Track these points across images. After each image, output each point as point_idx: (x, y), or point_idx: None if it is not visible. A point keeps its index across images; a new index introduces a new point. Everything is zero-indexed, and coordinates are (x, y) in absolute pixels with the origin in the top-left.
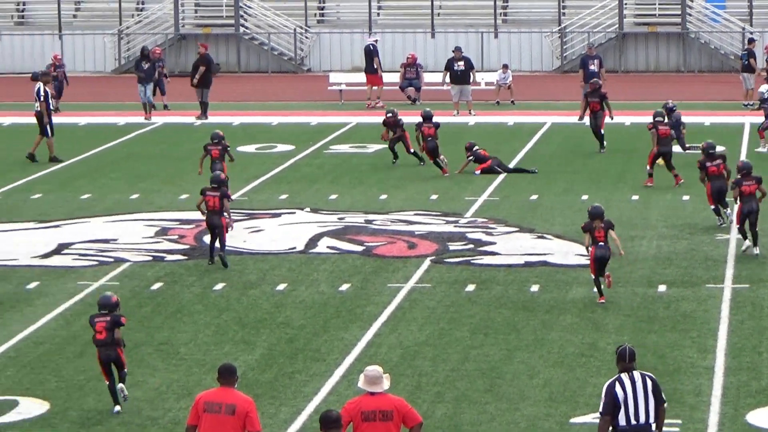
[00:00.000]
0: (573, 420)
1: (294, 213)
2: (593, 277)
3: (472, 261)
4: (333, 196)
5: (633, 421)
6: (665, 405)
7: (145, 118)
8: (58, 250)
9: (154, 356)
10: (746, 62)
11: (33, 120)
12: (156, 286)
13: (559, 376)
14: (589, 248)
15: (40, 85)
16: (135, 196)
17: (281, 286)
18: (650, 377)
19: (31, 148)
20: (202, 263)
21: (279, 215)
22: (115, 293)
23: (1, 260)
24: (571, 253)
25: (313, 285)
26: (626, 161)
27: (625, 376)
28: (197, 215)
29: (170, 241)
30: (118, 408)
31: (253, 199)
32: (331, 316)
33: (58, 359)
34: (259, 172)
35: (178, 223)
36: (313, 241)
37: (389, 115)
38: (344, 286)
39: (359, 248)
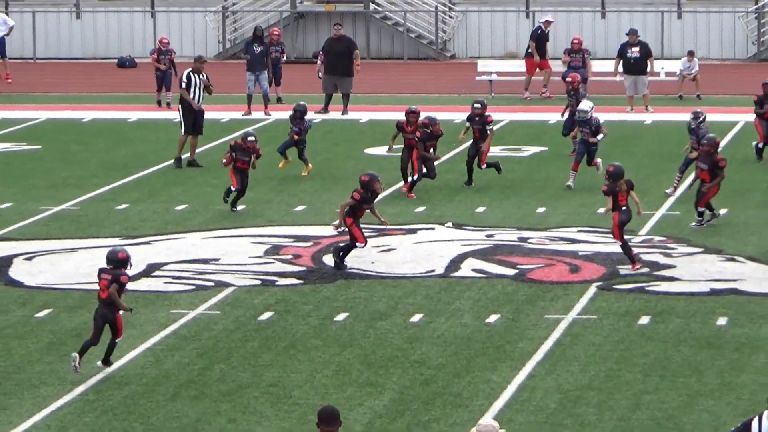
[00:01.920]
0: None
1: (433, 229)
2: (620, 243)
3: (647, 288)
4: (480, 209)
5: None
6: None
7: (245, 114)
8: (148, 271)
9: (261, 400)
10: None
11: (119, 114)
12: (265, 316)
13: None
14: (612, 213)
15: (188, 73)
16: (240, 207)
17: (416, 317)
18: None
19: (178, 152)
20: (321, 289)
21: (415, 231)
22: (216, 323)
23: (79, 283)
24: (767, 278)
25: (455, 316)
26: None
27: (766, 415)
28: (314, 230)
29: (283, 261)
30: (75, 355)
31: (384, 213)
32: (476, 354)
33: (146, 403)
34: (393, 179)
35: (292, 240)
36: (456, 263)
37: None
38: (492, 318)
39: (511, 271)
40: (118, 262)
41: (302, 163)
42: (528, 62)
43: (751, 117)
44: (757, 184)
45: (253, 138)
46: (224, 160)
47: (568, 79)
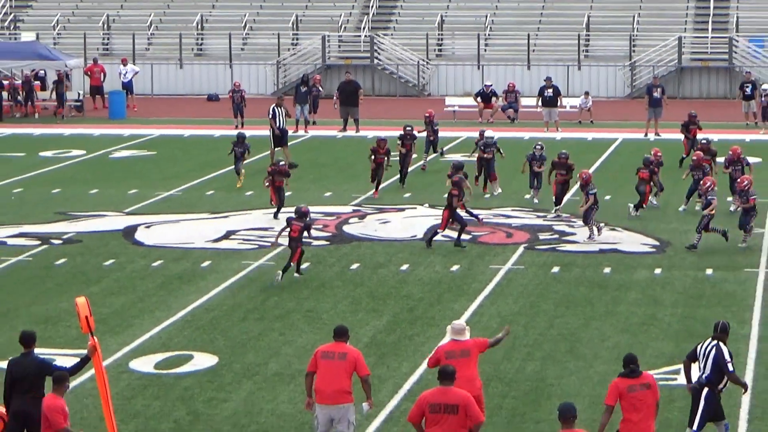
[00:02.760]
0: None
1: (415, 208)
2: (465, 210)
3: (557, 248)
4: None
5: (700, 374)
6: (729, 374)
7: (294, 131)
8: (227, 236)
9: (302, 321)
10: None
11: (207, 132)
12: (304, 265)
13: (625, 341)
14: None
15: (273, 107)
16: (288, 194)
17: (404, 267)
18: (717, 348)
19: (271, 160)
20: (341, 248)
21: (403, 210)
22: (272, 270)
23: (181, 243)
24: (637, 242)
25: (430, 266)
26: (681, 172)
27: (707, 341)
28: (337, 209)
29: (316, 229)
30: (279, 273)
31: (383, 199)
32: (444, 291)
33: (225, 323)
34: (389, 175)
35: (322, 215)
36: (431, 231)
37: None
38: (455, 267)
39: (467, 237)
40: (302, 214)
41: (241, 175)
42: (478, 103)
43: (627, 135)
44: (630, 180)
45: (283, 162)
46: (266, 183)
47: (426, 114)
